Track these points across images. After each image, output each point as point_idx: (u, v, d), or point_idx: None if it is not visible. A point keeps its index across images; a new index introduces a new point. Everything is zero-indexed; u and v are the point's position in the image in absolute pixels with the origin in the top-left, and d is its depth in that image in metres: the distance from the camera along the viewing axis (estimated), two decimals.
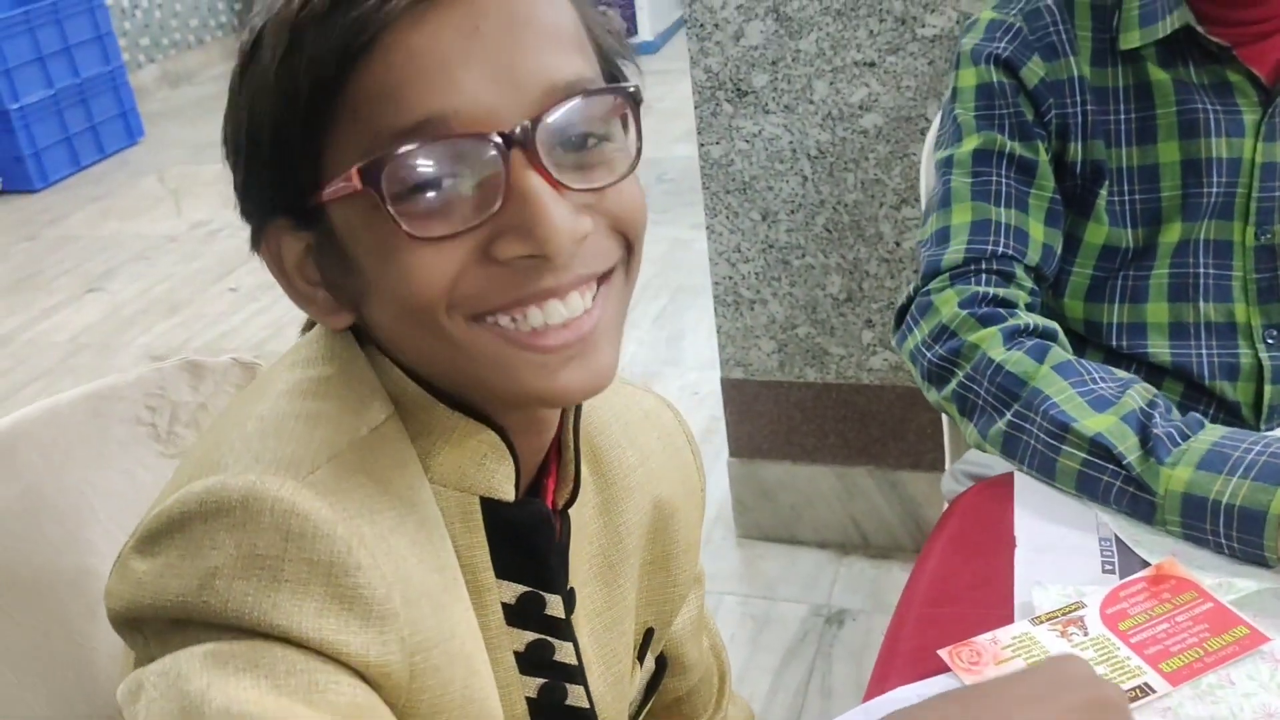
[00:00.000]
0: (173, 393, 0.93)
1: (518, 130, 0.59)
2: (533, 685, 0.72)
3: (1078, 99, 1.18)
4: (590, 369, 0.64)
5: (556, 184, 0.60)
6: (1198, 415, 1.01)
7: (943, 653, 0.85)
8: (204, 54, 6.51)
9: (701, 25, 1.95)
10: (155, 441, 0.92)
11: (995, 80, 1.19)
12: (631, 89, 0.64)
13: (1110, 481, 0.98)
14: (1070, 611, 0.88)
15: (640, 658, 0.85)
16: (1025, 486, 1.05)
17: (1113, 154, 1.18)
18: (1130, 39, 1.16)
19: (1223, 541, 0.93)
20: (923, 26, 1.85)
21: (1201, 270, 1.19)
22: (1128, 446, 0.98)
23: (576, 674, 0.74)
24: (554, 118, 0.60)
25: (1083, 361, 1.07)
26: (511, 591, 0.70)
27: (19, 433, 0.85)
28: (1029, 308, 1.14)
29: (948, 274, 1.15)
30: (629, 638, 0.81)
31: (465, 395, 0.66)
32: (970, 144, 1.20)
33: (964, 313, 1.11)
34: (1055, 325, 1.12)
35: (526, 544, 0.70)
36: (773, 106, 1.97)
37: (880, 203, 1.99)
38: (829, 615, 2.14)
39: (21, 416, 0.86)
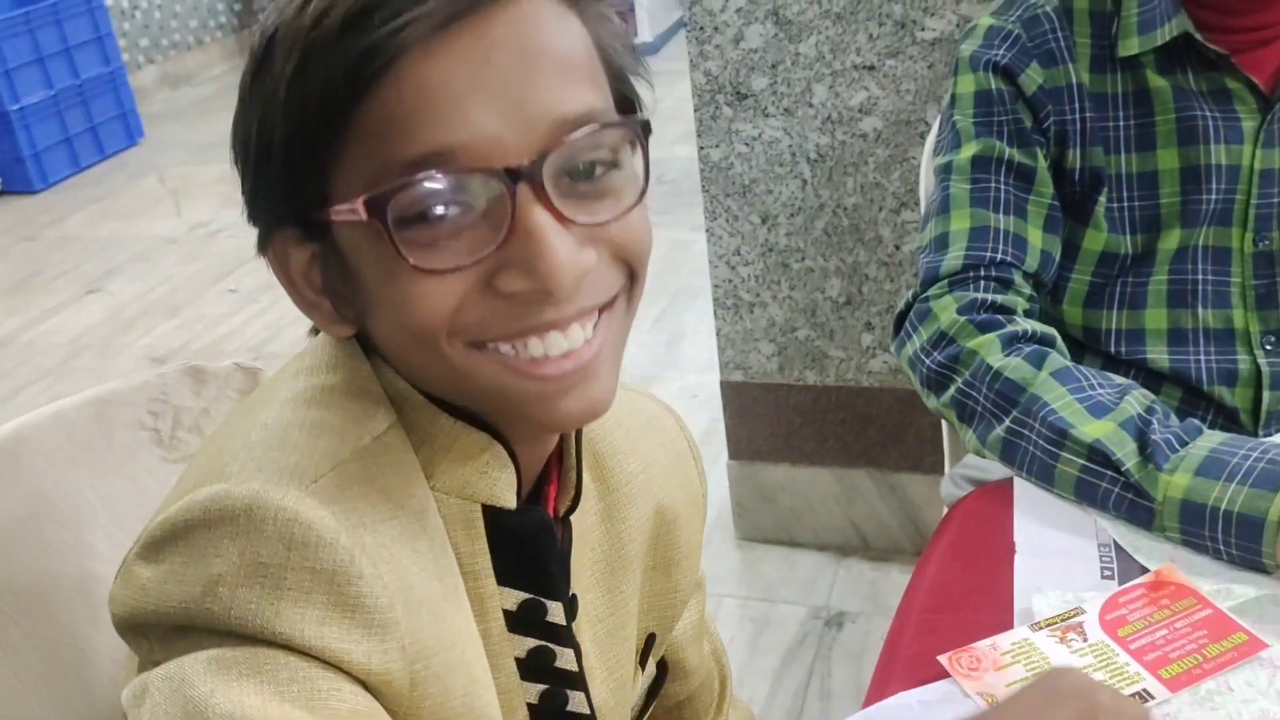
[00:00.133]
0: (175, 398, 0.94)
1: (525, 165, 0.58)
2: (534, 692, 0.72)
3: (1076, 106, 1.18)
4: (588, 397, 0.64)
5: (562, 218, 0.60)
6: (1196, 421, 1.02)
7: (942, 658, 0.86)
8: (204, 55, 6.50)
9: (701, 28, 1.96)
10: (158, 446, 0.93)
11: (994, 87, 1.20)
12: (641, 121, 0.64)
13: (1109, 488, 0.99)
14: (1070, 618, 0.89)
15: (642, 663, 0.85)
16: (1025, 492, 1.05)
17: (1111, 161, 1.19)
18: (1129, 46, 1.16)
19: (1221, 548, 0.93)
20: (922, 30, 1.85)
21: (1200, 276, 1.19)
22: (1126, 453, 0.98)
23: (577, 680, 0.74)
24: (562, 152, 0.60)
25: (1081, 368, 1.07)
26: (513, 598, 0.70)
27: (23, 438, 0.86)
28: (1027, 314, 1.15)
29: (946, 280, 1.16)
30: (631, 643, 0.81)
31: (467, 405, 0.67)
32: (969, 150, 1.20)
33: (963, 319, 1.11)
34: (1054, 331, 1.12)
35: (528, 551, 0.71)
36: (772, 110, 1.98)
37: (880, 206, 1.99)
38: (828, 618, 2.14)
39: (25, 422, 0.87)
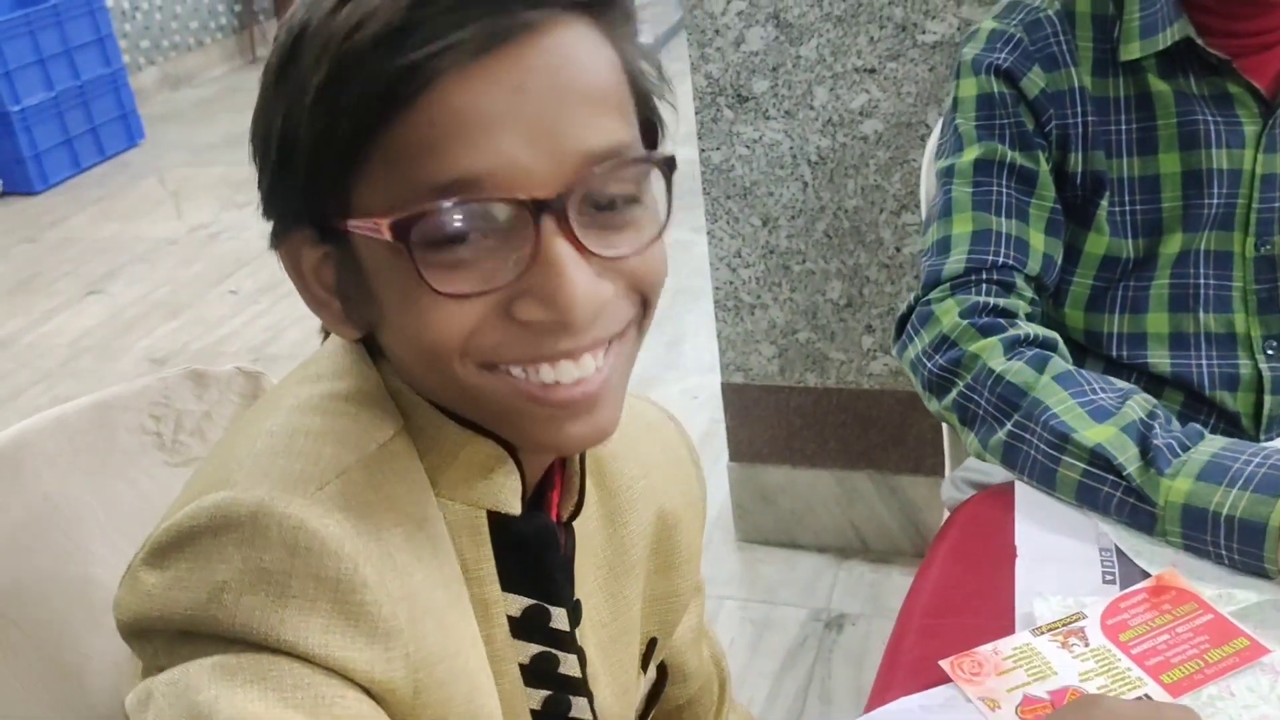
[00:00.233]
0: (177, 402, 0.94)
1: (552, 197, 0.58)
2: (537, 698, 0.72)
3: (1078, 109, 1.18)
4: (594, 423, 0.64)
5: (584, 250, 0.60)
6: (1198, 426, 1.02)
7: (944, 663, 0.86)
8: (204, 56, 6.50)
9: (702, 31, 1.96)
10: (160, 450, 0.93)
11: (996, 90, 1.20)
12: (666, 158, 0.64)
13: (1110, 492, 0.99)
14: (1071, 622, 0.89)
15: (644, 667, 0.85)
16: (1026, 496, 1.05)
17: (1113, 165, 1.19)
18: (1131, 50, 1.16)
19: (1223, 553, 0.93)
20: (923, 33, 1.85)
21: (1202, 281, 1.19)
22: (1128, 457, 0.98)
23: (581, 686, 0.74)
24: (587, 185, 0.60)
25: (1083, 372, 1.07)
26: (517, 604, 0.71)
27: (25, 442, 0.86)
28: (1029, 318, 1.15)
29: (948, 284, 1.16)
30: (634, 649, 0.81)
31: (474, 419, 0.67)
32: (971, 154, 1.20)
33: (964, 323, 1.12)
34: (1055, 335, 1.13)
35: (532, 557, 0.71)
36: (773, 112, 1.98)
37: (880, 208, 1.99)
38: (828, 620, 2.14)
39: (27, 426, 0.87)
